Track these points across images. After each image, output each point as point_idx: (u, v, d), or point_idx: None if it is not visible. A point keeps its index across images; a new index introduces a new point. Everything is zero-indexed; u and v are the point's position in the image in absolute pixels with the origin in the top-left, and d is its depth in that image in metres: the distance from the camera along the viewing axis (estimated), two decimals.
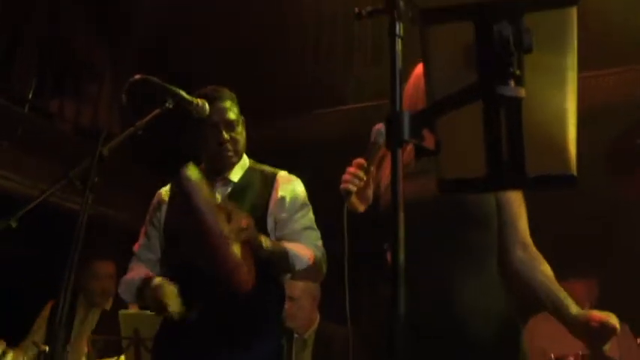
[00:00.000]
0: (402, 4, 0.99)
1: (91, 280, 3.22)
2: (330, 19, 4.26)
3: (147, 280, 1.90)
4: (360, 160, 1.57)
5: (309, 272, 1.95)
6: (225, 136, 2.00)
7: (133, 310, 2.67)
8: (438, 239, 1.58)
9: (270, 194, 2.02)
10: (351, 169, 1.56)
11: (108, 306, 3.25)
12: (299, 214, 2.02)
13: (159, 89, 1.82)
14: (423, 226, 1.64)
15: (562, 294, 1.48)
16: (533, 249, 1.57)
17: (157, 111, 1.82)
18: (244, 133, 2.08)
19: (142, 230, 2.15)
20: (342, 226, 1.53)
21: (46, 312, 3.18)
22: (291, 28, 4.20)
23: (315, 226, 2.05)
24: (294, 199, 2.04)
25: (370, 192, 1.64)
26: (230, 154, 2.03)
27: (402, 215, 0.84)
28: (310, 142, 3.90)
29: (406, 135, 0.90)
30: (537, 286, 1.51)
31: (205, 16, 4.04)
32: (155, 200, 2.17)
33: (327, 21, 4.29)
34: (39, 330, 3.13)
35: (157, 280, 1.86)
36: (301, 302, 2.97)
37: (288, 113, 3.94)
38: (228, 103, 2.03)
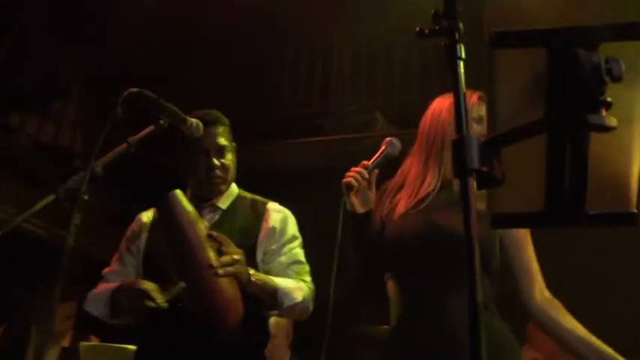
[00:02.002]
0: (461, 26, 0.94)
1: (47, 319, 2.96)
2: (310, 49, 4.25)
3: (121, 285, 1.77)
4: (365, 162, 1.63)
5: (297, 310, 1.84)
6: (215, 162, 1.90)
7: (96, 342, 2.47)
8: (440, 271, 1.57)
9: (260, 224, 1.92)
10: (355, 168, 1.60)
11: (66, 342, 3.00)
12: (288, 247, 1.93)
13: (153, 105, 1.71)
14: (425, 258, 1.61)
15: (597, 341, 1.45)
16: (548, 292, 1.55)
17: (150, 128, 1.70)
18: (235, 160, 1.98)
19: (116, 256, 1.99)
20: (338, 222, 1.53)
21: None
22: (271, 57, 4.16)
23: (305, 260, 1.95)
24: (285, 230, 1.94)
25: (372, 196, 1.65)
26: (219, 180, 1.92)
27: (476, 246, 0.77)
28: (284, 171, 3.81)
29: (476, 163, 0.83)
30: (566, 335, 1.47)
31: (182, 35, 3.94)
32: (135, 225, 2.02)
33: (306, 51, 4.28)
34: None
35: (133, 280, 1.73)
36: (277, 340, 2.83)
37: (263, 140, 3.86)
38: (220, 129, 1.94)
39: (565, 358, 2.84)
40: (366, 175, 1.60)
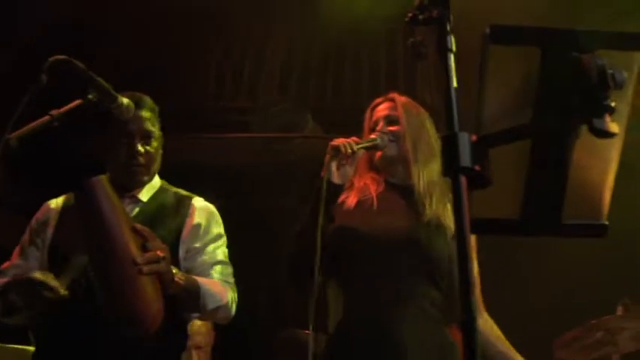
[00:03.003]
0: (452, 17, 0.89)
1: None
2: (242, 40, 4.11)
3: (12, 278, 1.60)
4: (355, 138, 1.65)
5: (219, 313, 1.73)
6: (140, 148, 1.74)
7: None
8: (390, 273, 1.59)
9: (183, 220, 1.79)
10: (345, 138, 1.63)
11: None
12: (213, 246, 1.81)
13: (82, 76, 1.53)
14: (380, 257, 1.58)
15: None
16: (485, 313, 1.58)
17: (77, 102, 1.52)
18: (160, 151, 1.82)
19: (17, 249, 1.78)
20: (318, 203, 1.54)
21: None
22: (198, 45, 3.97)
23: (229, 261, 1.84)
24: (210, 228, 1.82)
25: (350, 172, 1.66)
26: (141, 169, 1.76)
27: (469, 247, 0.71)
28: (206, 165, 3.65)
29: (467, 161, 0.78)
30: (499, 356, 1.50)
31: (105, 17, 3.66)
32: (40, 214, 1.81)
33: (238, 42, 4.13)
34: None
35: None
36: (207, 349, 2.68)
37: (184, 133, 3.67)
38: (148, 114, 1.78)
39: None
40: (355, 148, 1.61)
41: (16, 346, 2.05)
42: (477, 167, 0.77)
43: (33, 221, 1.80)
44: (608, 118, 0.75)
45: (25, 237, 1.79)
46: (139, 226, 1.56)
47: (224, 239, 1.85)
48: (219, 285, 1.74)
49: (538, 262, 3.09)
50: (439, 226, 1.62)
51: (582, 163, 0.91)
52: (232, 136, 3.72)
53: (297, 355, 2.41)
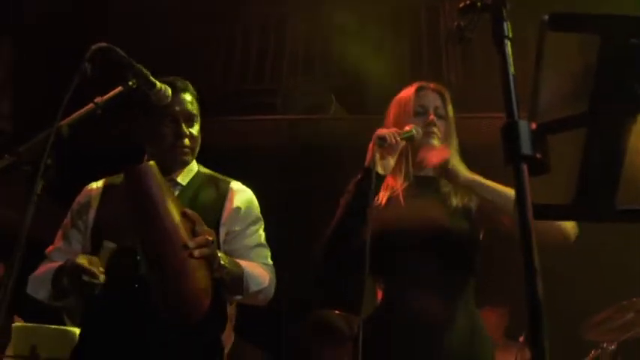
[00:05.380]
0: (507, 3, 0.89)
1: None
2: (261, 25, 4.09)
3: (66, 262, 1.61)
4: (397, 129, 1.67)
5: (260, 295, 1.75)
6: (185, 130, 1.76)
7: (20, 323, 2.24)
8: (423, 262, 1.62)
9: (223, 203, 1.80)
10: (390, 129, 1.66)
11: None
12: (252, 229, 1.83)
13: (122, 63, 1.55)
14: (412, 250, 1.61)
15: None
16: None
17: (119, 88, 1.54)
18: (200, 134, 1.84)
19: (60, 232, 1.81)
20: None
21: None
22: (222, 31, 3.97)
23: (267, 244, 1.86)
24: (250, 212, 1.84)
25: (391, 163, 1.68)
26: (186, 150, 1.78)
27: (533, 234, 0.72)
28: (231, 148, 3.67)
29: (528, 149, 0.78)
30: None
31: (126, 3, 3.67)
32: (81, 197, 1.83)
33: (258, 26, 4.11)
34: None
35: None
36: (232, 322, 2.72)
37: (212, 115, 3.69)
38: (190, 97, 1.80)
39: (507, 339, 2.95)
40: (398, 139, 1.63)
41: (58, 327, 2.09)
42: (538, 155, 0.78)
43: (74, 204, 1.83)
44: None
45: (67, 220, 1.81)
46: (189, 211, 1.58)
47: (262, 222, 1.87)
48: (260, 268, 1.76)
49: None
50: (465, 211, 1.66)
51: (637, 149, 0.91)
52: (258, 118, 3.72)
53: (327, 336, 2.45)
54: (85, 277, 1.49)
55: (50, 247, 1.80)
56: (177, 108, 1.74)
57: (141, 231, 1.54)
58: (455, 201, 1.67)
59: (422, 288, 1.58)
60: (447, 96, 1.80)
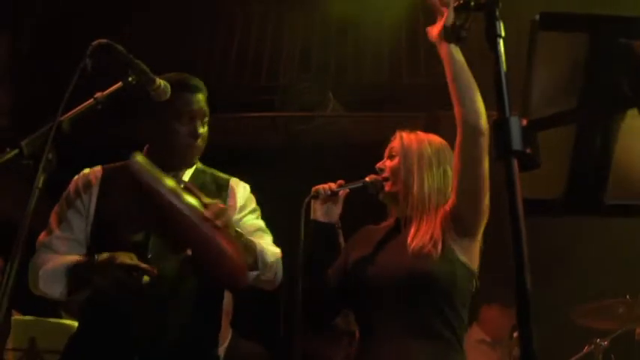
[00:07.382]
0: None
1: None
2: (259, 21, 4.10)
3: (88, 259, 1.61)
4: (340, 181, 1.80)
5: (272, 270, 1.74)
6: (201, 130, 1.76)
7: (19, 316, 2.25)
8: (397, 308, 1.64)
9: (225, 201, 1.80)
10: (330, 183, 1.79)
11: None
12: (250, 217, 1.85)
13: (122, 59, 1.56)
14: (385, 297, 1.65)
15: None
16: None
17: (118, 84, 1.55)
18: None
19: (54, 219, 1.75)
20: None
21: None
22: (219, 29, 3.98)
23: (267, 230, 1.88)
24: (248, 203, 1.87)
25: (336, 211, 1.81)
26: (198, 150, 1.79)
27: (522, 226, 0.75)
28: (230, 146, 3.68)
29: (518, 144, 0.81)
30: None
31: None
32: (79, 181, 1.79)
33: (256, 22, 4.12)
34: None
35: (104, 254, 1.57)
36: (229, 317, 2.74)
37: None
38: (203, 97, 1.79)
39: (509, 339, 2.98)
40: (334, 188, 1.76)
41: (57, 320, 2.11)
42: (528, 150, 0.80)
43: (71, 189, 1.78)
44: None
45: (63, 205, 1.76)
46: (189, 184, 1.59)
47: (259, 212, 1.89)
48: (269, 243, 1.79)
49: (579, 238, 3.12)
50: (431, 250, 1.61)
51: (626, 145, 0.93)
52: (255, 115, 3.74)
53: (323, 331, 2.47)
54: (146, 277, 1.52)
55: (44, 235, 1.74)
56: (195, 107, 1.74)
57: (157, 223, 1.55)
58: (415, 242, 1.64)
59: (390, 335, 1.61)
60: (400, 134, 1.81)
